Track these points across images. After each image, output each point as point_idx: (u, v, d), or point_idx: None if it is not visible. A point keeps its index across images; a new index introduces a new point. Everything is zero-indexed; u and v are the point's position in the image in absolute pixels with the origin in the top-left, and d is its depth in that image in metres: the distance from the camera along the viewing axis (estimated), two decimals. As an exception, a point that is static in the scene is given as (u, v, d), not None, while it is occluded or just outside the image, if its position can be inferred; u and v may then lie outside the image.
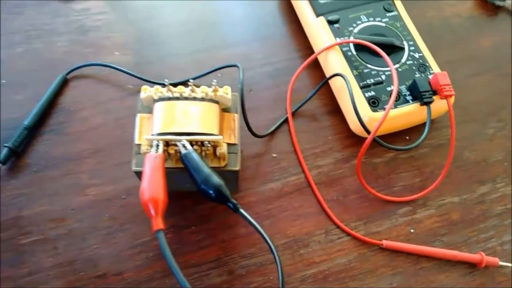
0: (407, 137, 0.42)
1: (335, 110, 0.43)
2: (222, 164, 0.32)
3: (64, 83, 0.42)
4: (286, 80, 0.44)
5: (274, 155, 0.41)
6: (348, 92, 0.38)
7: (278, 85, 0.44)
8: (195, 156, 0.29)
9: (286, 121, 0.42)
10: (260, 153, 0.41)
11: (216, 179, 0.28)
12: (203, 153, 0.31)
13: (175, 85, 0.34)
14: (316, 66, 0.45)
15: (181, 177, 0.32)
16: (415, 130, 0.42)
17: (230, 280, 0.35)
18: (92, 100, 0.41)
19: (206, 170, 0.29)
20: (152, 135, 0.31)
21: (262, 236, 0.30)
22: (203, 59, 0.45)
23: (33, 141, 0.39)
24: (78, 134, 0.40)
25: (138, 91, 0.41)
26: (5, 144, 0.37)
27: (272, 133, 0.42)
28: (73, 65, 0.42)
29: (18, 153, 0.38)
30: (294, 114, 0.43)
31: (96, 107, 0.41)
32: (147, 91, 0.32)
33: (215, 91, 0.32)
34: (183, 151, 0.29)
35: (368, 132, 0.37)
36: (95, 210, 0.37)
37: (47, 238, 0.36)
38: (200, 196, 0.36)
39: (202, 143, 0.30)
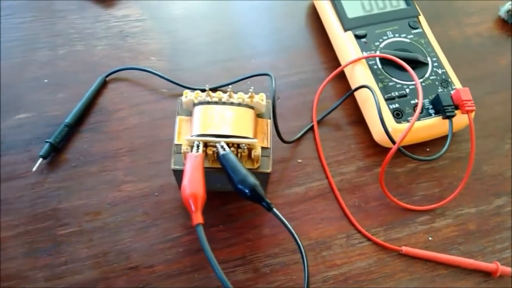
0: (428, 149, 0.44)
1: (359, 120, 0.45)
2: (256, 166, 0.33)
3: (103, 85, 0.44)
4: (312, 90, 0.46)
5: (299, 160, 0.43)
6: (375, 104, 0.40)
7: (303, 94, 0.46)
8: (233, 157, 0.31)
9: (311, 129, 0.44)
10: (286, 159, 0.43)
11: (252, 179, 0.30)
12: (239, 155, 0.33)
13: (214, 90, 0.36)
14: (341, 78, 0.47)
15: (215, 177, 0.34)
16: (436, 142, 0.44)
17: (255, 277, 0.37)
18: (129, 102, 0.44)
19: (243, 170, 0.31)
20: (192, 136, 0.33)
21: (292, 234, 0.31)
22: (233, 67, 0.47)
23: (72, 138, 0.41)
24: (115, 133, 0.42)
25: (172, 95, 0.44)
26: (47, 140, 0.40)
27: (298, 139, 0.44)
28: (112, 68, 0.45)
29: (58, 148, 0.40)
30: (319, 122, 0.45)
31: (132, 109, 0.43)
32: (188, 95, 0.34)
33: (251, 97, 0.34)
34: (221, 152, 0.31)
35: (393, 142, 0.38)
36: (129, 206, 0.39)
37: (83, 230, 0.38)
38: (227, 196, 0.39)
39: (238, 145, 0.32)
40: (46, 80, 0.44)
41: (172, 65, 0.46)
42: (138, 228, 0.38)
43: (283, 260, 0.38)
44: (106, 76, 0.44)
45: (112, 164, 0.40)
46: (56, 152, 0.41)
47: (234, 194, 0.39)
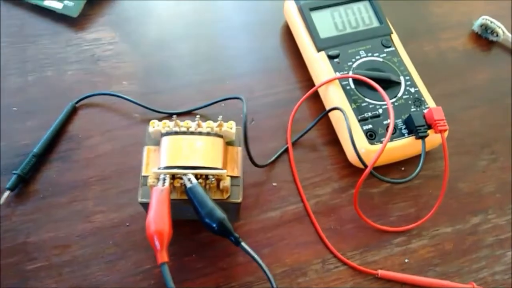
0: (403, 168, 0.44)
1: (334, 140, 0.45)
2: (225, 196, 0.33)
3: (73, 111, 0.43)
4: (287, 110, 0.46)
5: (274, 184, 0.42)
6: (346, 126, 0.39)
7: (279, 115, 0.46)
8: (200, 189, 0.30)
9: (286, 151, 0.44)
10: (261, 182, 0.42)
11: (219, 213, 0.30)
12: (207, 186, 0.32)
13: (181, 114, 0.36)
14: (316, 98, 0.47)
15: (184, 208, 0.33)
16: (411, 161, 0.44)
17: (230, 307, 0.36)
18: (99, 128, 0.43)
19: (210, 204, 0.30)
20: (159, 168, 0.32)
21: (262, 268, 0.31)
22: (209, 90, 0.46)
23: (41, 168, 0.41)
24: (85, 161, 0.41)
25: (144, 120, 0.43)
26: (14, 171, 0.39)
27: (273, 162, 0.43)
28: (83, 93, 0.44)
29: (26, 179, 0.40)
30: (294, 144, 0.44)
31: (103, 135, 0.43)
32: (155, 126, 0.34)
33: (220, 126, 0.34)
34: (188, 184, 0.31)
35: (365, 165, 0.38)
36: (99, 237, 0.38)
37: (52, 264, 0.37)
38: (200, 225, 0.38)
39: (206, 177, 0.32)
40: (15, 108, 0.43)
41: (145, 89, 0.46)
42: (108, 260, 0.37)
43: (258, 288, 0.37)
44: (76, 102, 0.44)
45: (82, 193, 0.40)
46: (24, 183, 0.40)
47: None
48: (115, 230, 0.38)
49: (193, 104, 0.44)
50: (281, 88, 0.48)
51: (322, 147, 0.45)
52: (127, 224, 0.39)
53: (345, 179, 0.43)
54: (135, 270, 0.37)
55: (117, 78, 0.46)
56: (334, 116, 0.44)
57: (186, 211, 0.35)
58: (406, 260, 0.40)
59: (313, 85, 0.47)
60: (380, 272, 0.38)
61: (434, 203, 0.42)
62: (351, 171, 0.43)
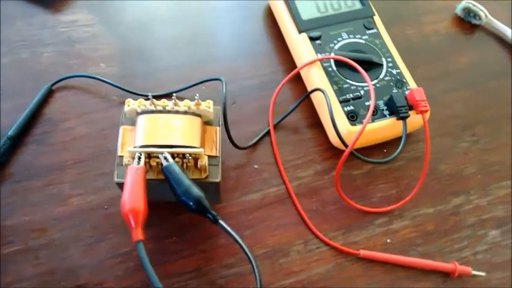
0: (385, 150, 0.44)
1: (316, 123, 0.44)
2: (203, 176, 0.32)
3: (49, 94, 0.42)
4: (269, 93, 0.45)
5: (255, 166, 0.42)
6: (327, 107, 0.39)
7: (261, 98, 0.45)
8: (176, 168, 0.30)
9: (268, 133, 0.44)
10: (242, 165, 0.42)
11: (196, 191, 0.29)
12: (185, 165, 0.32)
13: (158, 97, 0.35)
14: (298, 80, 0.46)
15: (162, 188, 0.32)
16: (393, 143, 0.44)
17: (210, 290, 0.36)
18: (76, 111, 0.42)
19: (187, 182, 0.29)
20: (135, 147, 0.31)
21: (241, 246, 0.30)
22: (189, 73, 0.46)
23: (16, 151, 0.40)
24: (61, 145, 0.40)
25: (122, 103, 0.42)
26: (-12, 154, 0.38)
27: (254, 145, 0.43)
28: (59, 76, 0.43)
29: (1, 163, 0.38)
30: (276, 126, 0.44)
31: (80, 118, 0.42)
32: (130, 104, 0.33)
33: (197, 104, 0.33)
34: (164, 163, 0.30)
35: (346, 145, 0.38)
36: (77, 220, 0.37)
37: (29, 248, 0.36)
38: (180, 207, 0.37)
39: (183, 156, 0.31)
40: (-11, 90, 0.42)
41: (124, 71, 0.45)
42: (86, 243, 0.36)
43: (239, 270, 0.37)
44: (52, 85, 0.43)
45: (58, 177, 0.39)
46: (-1, 167, 0.39)
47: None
48: (93, 213, 0.38)
49: (172, 88, 0.44)
50: (263, 71, 0.47)
51: (304, 129, 0.44)
52: (106, 207, 0.38)
53: (327, 161, 0.43)
54: (114, 253, 0.36)
55: (95, 61, 0.45)
56: (316, 98, 0.44)
57: (164, 192, 0.34)
58: (388, 241, 0.40)
59: (296, 68, 0.46)
60: (362, 252, 0.38)
61: (415, 184, 0.42)
62: (333, 153, 0.43)
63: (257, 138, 0.43)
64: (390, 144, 0.44)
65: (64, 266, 0.35)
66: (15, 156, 0.39)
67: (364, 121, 0.37)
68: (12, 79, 0.43)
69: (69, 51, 0.45)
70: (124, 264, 0.36)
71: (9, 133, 0.39)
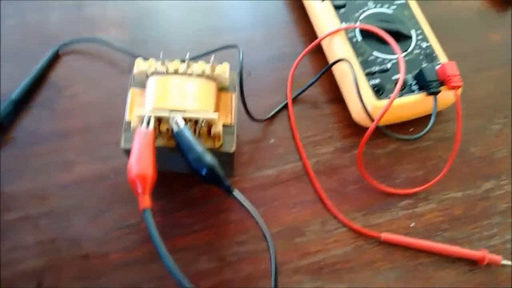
0: (411, 129, 0.41)
1: (337, 98, 0.41)
2: (217, 145, 0.30)
3: (55, 58, 0.40)
4: (287, 65, 0.43)
5: (271, 141, 0.39)
6: (353, 78, 0.36)
7: (278, 70, 0.43)
8: (188, 133, 0.27)
9: (285, 107, 0.41)
10: (257, 139, 0.39)
11: (209, 158, 0.27)
12: (197, 132, 0.29)
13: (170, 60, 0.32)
14: (319, 52, 0.43)
15: (172, 157, 0.30)
16: (419, 122, 0.41)
17: (220, 266, 0.34)
18: (83, 77, 0.40)
19: (199, 148, 0.27)
20: (144, 110, 0.29)
21: (256, 220, 0.28)
22: (202, 41, 0.43)
23: (20, 116, 0.38)
24: (67, 111, 0.38)
25: (131, 70, 0.39)
26: (-10, 117, 0.36)
27: (271, 118, 0.40)
28: (66, 40, 0.41)
29: (3, 127, 0.36)
30: (294, 100, 0.41)
31: (87, 84, 0.39)
32: (140, 65, 0.30)
33: (212, 68, 0.30)
34: (175, 128, 0.28)
35: (372, 119, 0.35)
36: (81, 189, 0.35)
37: (29, 215, 0.34)
38: (191, 179, 0.35)
39: (196, 121, 0.29)
40: (-8, 52, 0.40)
41: (134, 37, 0.42)
42: (90, 213, 0.34)
43: (252, 248, 0.35)
44: (59, 49, 0.40)
45: (62, 144, 0.37)
46: (1, 131, 0.37)
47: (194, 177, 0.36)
48: (99, 182, 0.35)
49: (185, 55, 0.41)
50: (281, 42, 0.44)
51: (324, 104, 0.42)
52: (112, 176, 0.36)
53: (348, 138, 0.40)
54: (120, 224, 0.34)
55: (104, 25, 0.42)
56: (338, 71, 0.41)
57: (175, 162, 0.32)
58: (412, 224, 0.37)
59: (316, 40, 0.43)
60: (384, 235, 0.36)
61: (443, 166, 0.39)
62: (355, 130, 0.40)
63: (274, 111, 0.40)
64: (416, 123, 0.41)
65: (66, 236, 0.34)
66: (18, 121, 0.37)
67: (393, 94, 0.34)
68: (18, 42, 0.41)
69: (77, 14, 0.43)
70: (130, 236, 0.34)
71: (12, 97, 0.37)
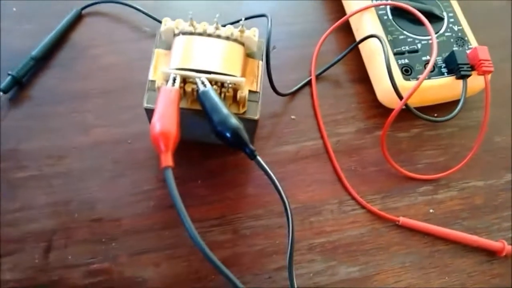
0: (436, 114, 0.40)
1: (362, 78, 0.40)
2: (241, 110, 0.29)
3: (78, 18, 0.39)
4: (313, 42, 0.41)
5: (292, 117, 0.38)
6: (383, 55, 0.35)
7: (303, 46, 0.42)
8: (214, 94, 0.27)
9: (308, 83, 0.40)
10: (278, 113, 0.38)
11: (234, 121, 0.26)
12: (222, 95, 0.28)
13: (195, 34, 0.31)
14: (346, 30, 0.42)
15: (194, 121, 0.29)
16: (445, 107, 0.40)
17: (233, 239, 0.33)
18: (105, 39, 0.39)
19: (225, 110, 0.26)
20: (169, 69, 0.28)
21: (278, 189, 0.27)
22: (227, 9, 0.42)
23: (39, 74, 0.37)
24: (87, 72, 0.37)
25: (154, 35, 0.39)
26: (9, 72, 0.35)
27: (293, 94, 0.39)
28: (90, 0, 0.40)
29: (22, 83, 0.36)
30: (317, 77, 0.40)
31: (109, 46, 0.39)
32: (167, 24, 0.29)
33: (241, 31, 0.30)
34: (201, 88, 0.27)
35: (401, 97, 0.34)
36: (98, 152, 0.35)
37: (44, 174, 0.33)
38: (209, 149, 0.34)
39: (222, 84, 0.28)
40: (14, 9, 0.39)
41: (159, 2, 0.41)
42: (106, 177, 0.34)
43: (266, 223, 0.34)
44: (82, 9, 0.40)
45: (81, 105, 0.36)
46: (19, 87, 0.36)
47: (217, 147, 0.35)
48: (116, 147, 0.35)
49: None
50: (308, 17, 0.43)
51: (348, 83, 0.41)
52: (129, 141, 0.35)
53: (371, 119, 0.39)
54: (134, 190, 0.34)
55: (129, -12, 0.41)
56: (365, 49, 0.40)
57: (196, 127, 0.31)
58: (431, 211, 0.36)
59: (343, 17, 0.42)
60: (402, 220, 0.35)
61: (466, 154, 0.38)
62: (379, 111, 0.39)
63: (298, 86, 0.39)
64: (441, 109, 0.40)
65: (79, 198, 0.33)
66: (37, 79, 0.37)
67: (423, 74, 0.33)
68: (40, 0, 0.40)
69: (102, -25, 0.42)
70: (144, 203, 0.33)
71: (33, 53, 0.36)
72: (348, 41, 0.42)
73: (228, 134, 0.26)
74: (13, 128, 0.34)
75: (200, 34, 0.29)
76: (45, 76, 0.37)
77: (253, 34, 0.30)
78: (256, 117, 0.29)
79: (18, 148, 0.34)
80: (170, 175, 0.24)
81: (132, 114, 0.36)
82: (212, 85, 0.28)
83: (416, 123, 0.39)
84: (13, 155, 0.34)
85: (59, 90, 0.36)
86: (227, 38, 0.29)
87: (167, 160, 0.24)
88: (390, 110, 0.38)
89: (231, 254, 0.33)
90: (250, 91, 0.29)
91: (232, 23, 0.39)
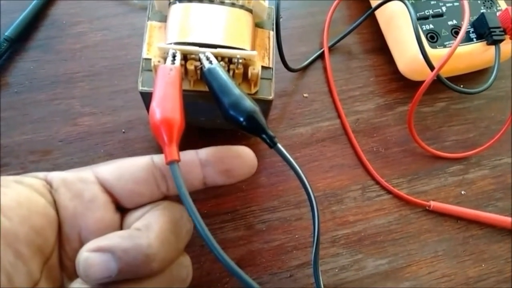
0: (461, 85, 0.36)
1: (379, 48, 0.36)
2: (253, 90, 0.25)
3: (55, -9, 0.34)
4: (323, 9, 0.37)
5: (305, 95, 0.34)
6: (410, 20, 0.31)
7: (312, 14, 0.37)
8: (222, 72, 0.22)
9: (321, 56, 0.36)
10: (289, 92, 0.34)
11: (249, 103, 0.22)
12: (231, 73, 0.24)
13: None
14: (358, -5, 0.38)
15: (198, 105, 0.25)
16: (471, 78, 0.36)
17: (248, 235, 0.30)
18: (89, 14, 0.34)
19: (236, 91, 0.22)
20: (167, 44, 0.24)
21: (301, 180, 0.23)
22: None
23: (15, 57, 0.32)
24: (70, 53, 0.33)
25: (144, 8, 0.34)
26: (-19, 57, 0.30)
27: (303, 69, 0.35)
28: (68, -31, 0.35)
29: (-5, 69, 0.31)
30: (330, 49, 0.36)
31: (93, 23, 0.34)
32: (161, -10, 0.25)
33: (248, -4, 0.25)
34: (207, 65, 0.22)
35: (432, 67, 0.30)
36: (88, 144, 0.30)
37: (29, 172, 0.29)
38: (214, 134, 0.30)
39: (230, 60, 0.24)
40: (-19, -17, 0.34)
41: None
42: (99, 172, 0.30)
43: (283, 215, 0.30)
44: (60, -20, 0.34)
45: (66, 91, 0.31)
46: (-8, 74, 0.31)
47: (223, 133, 0.31)
48: (108, 137, 0.31)
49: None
50: (315, -17, 0.39)
51: (364, 55, 0.37)
52: (123, 130, 0.31)
53: (392, 94, 0.35)
54: (132, 185, 0.29)
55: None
56: (383, 15, 0.35)
57: (200, 111, 0.27)
58: (463, 192, 0.33)
59: (356, -20, 0.37)
60: (433, 204, 0.31)
61: (497, 129, 0.34)
62: (401, 85, 0.35)
63: (309, 60, 0.35)
64: (467, 79, 0.36)
65: (71, 198, 0.29)
66: (13, 64, 0.32)
67: (456, 40, 0.29)
68: (10, -28, 0.35)
69: None
70: (145, 199, 0.29)
71: (6, 34, 0.32)
72: (361, 6, 0.38)
73: (242, 119, 0.22)
74: (-11, 121, 0.30)
75: (200, 0, 0.25)
76: (22, 59, 0.32)
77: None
78: (270, 97, 0.25)
79: (-4, 144, 0.30)
80: (177, 171, 0.20)
81: (125, 99, 0.32)
82: (218, 61, 0.23)
83: (440, 96, 0.36)
84: (-9, 152, 0.29)
85: (39, 75, 0.32)
86: (233, 4, 0.25)
87: (172, 153, 0.20)
88: (412, 83, 0.35)
89: (246, 252, 0.29)
90: (262, 67, 0.25)
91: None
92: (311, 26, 0.37)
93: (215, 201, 0.30)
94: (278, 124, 0.33)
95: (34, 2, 0.33)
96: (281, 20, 0.35)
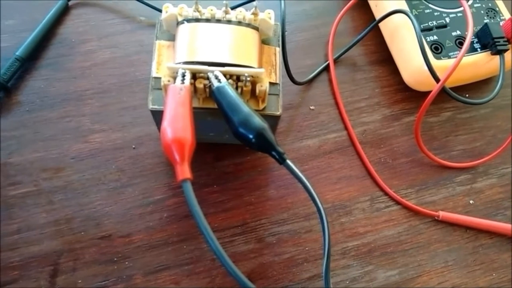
0: (467, 95, 0.36)
1: (384, 59, 0.37)
2: (261, 106, 0.25)
3: (65, 10, 0.35)
4: (327, 21, 0.38)
5: (311, 107, 0.35)
6: (414, 31, 0.31)
7: (317, 26, 0.38)
8: (231, 90, 0.23)
9: (326, 68, 0.36)
10: (295, 105, 0.35)
11: (258, 120, 0.22)
12: (239, 90, 0.24)
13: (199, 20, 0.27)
14: (362, 8, 0.38)
15: (207, 122, 0.26)
16: (476, 87, 0.36)
17: (259, 248, 0.30)
18: (97, 32, 0.35)
19: (245, 108, 0.22)
20: (176, 64, 0.24)
21: (310, 194, 0.24)
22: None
23: (26, 76, 0.33)
24: (80, 70, 0.33)
25: (151, 25, 0.35)
26: (-8, 77, 0.31)
27: (309, 82, 0.35)
28: (76, -11, 0.36)
29: (8, 88, 0.32)
30: (335, 61, 0.36)
31: (101, 41, 0.35)
32: (169, 10, 0.25)
33: (255, 14, 0.26)
34: (216, 84, 0.23)
35: (437, 79, 0.30)
36: (99, 161, 0.31)
37: (41, 190, 0.30)
38: (223, 150, 0.31)
39: (237, 78, 0.24)
40: (-8, 4, 0.35)
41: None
42: (110, 188, 0.30)
43: (293, 227, 0.31)
44: (69, 0, 0.35)
45: (76, 108, 0.32)
46: (5, 93, 0.32)
47: (231, 147, 0.31)
48: (119, 153, 0.31)
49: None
50: (318, -5, 0.39)
51: (369, 66, 0.37)
52: (133, 146, 0.31)
53: (398, 104, 0.35)
54: (143, 201, 0.30)
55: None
56: (387, 28, 0.36)
57: (209, 128, 0.27)
58: (471, 202, 0.33)
59: (360, -8, 0.38)
60: (442, 214, 0.31)
61: (503, 137, 0.34)
62: (406, 95, 0.36)
63: (315, 73, 0.35)
64: (472, 88, 0.36)
65: (83, 214, 0.29)
66: (24, 82, 0.33)
67: (461, 51, 0.30)
68: (21, -7, 0.36)
69: (88, -39, 0.37)
70: (156, 214, 0.30)
71: (17, 53, 0.32)
72: (365, 18, 0.38)
73: (252, 137, 0.22)
74: (2, 139, 0.31)
75: (207, 20, 0.25)
76: (32, 78, 0.33)
77: (269, 17, 0.26)
78: (278, 113, 0.26)
79: (8, 162, 0.30)
80: (189, 189, 0.20)
81: (134, 115, 0.32)
82: (227, 79, 0.24)
83: (446, 105, 0.36)
84: (4, 170, 0.30)
85: (49, 93, 0.32)
86: (239, 23, 0.25)
87: (184, 172, 0.20)
88: (418, 93, 0.35)
89: (257, 265, 0.29)
90: (269, 83, 0.26)
91: (241, 4, 0.35)
92: (316, 39, 0.37)
93: (225, 215, 0.30)
94: (286, 137, 0.33)
95: (44, 21, 0.34)
96: (286, 33, 0.36)
